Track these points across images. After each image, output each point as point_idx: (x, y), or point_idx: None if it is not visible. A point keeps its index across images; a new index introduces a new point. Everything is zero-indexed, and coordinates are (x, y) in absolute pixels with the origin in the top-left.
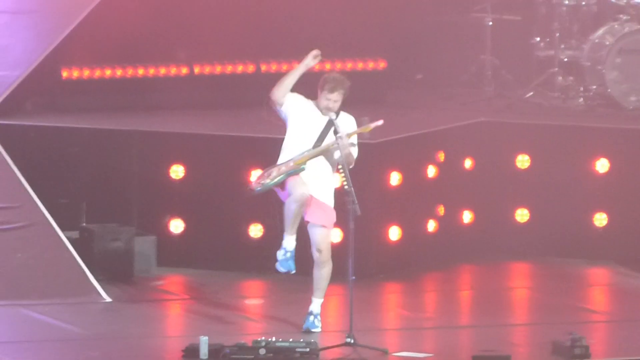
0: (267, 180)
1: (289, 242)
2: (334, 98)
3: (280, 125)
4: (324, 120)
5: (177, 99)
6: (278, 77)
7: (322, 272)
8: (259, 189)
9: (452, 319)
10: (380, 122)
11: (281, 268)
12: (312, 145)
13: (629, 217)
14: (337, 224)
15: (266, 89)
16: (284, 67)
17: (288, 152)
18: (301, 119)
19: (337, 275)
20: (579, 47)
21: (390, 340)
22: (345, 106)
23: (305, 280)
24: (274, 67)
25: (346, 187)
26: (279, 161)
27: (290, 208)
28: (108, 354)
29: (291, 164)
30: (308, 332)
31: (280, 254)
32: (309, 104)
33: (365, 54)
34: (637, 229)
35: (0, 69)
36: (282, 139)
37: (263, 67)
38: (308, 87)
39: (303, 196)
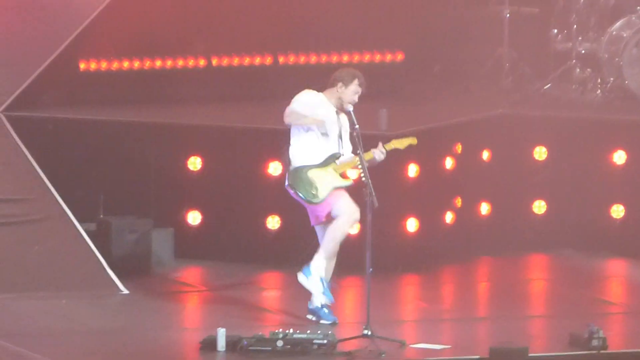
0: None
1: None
2: (360, 93)
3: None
4: (334, 113)
5: (195, 91)
6: (296, 69)
7: None
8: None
9: (469, 311)
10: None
11: (326, 300)
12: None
13: None
14: None
15: (284, 81)
16: (302, 58)
17: (320, 151)
18: (324, 117)
19: (355, 268)
20: (596, 39)
21: (408, 332)
22: (362, 98)
23: None
24: (291, 59)
25: (363, 179)
26: (306, 161)
27: (345, 231)
28: (125, 346)
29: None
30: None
31: (319, 288)
32: (321, 98)
33: (383, 46)
34: None
35: (18, 61)
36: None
37: (281, 59)
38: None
39: (356, 220)
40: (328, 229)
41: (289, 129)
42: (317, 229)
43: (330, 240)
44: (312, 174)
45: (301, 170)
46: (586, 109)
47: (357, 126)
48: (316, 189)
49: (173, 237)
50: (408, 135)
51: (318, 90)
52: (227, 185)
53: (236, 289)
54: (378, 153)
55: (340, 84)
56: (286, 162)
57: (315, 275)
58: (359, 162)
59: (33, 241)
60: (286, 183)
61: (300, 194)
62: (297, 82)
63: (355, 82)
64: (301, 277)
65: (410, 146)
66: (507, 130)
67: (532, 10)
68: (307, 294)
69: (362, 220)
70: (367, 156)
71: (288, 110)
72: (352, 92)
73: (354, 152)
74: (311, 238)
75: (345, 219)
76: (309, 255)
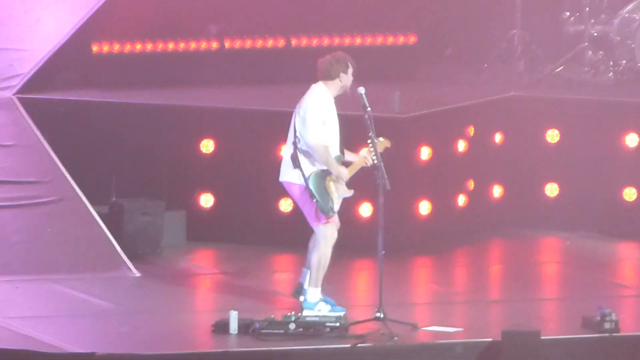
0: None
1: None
2: None
3: None
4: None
5: (208, 74)
6: (308, 51)
7: None
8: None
9: (482, 293)
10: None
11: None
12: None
13: None
14: (367, 198)
15: (297, 63)
16: (314, 41)
17: (334, 150)
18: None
19: (367, 250)
20: (608, 21)
21: (420, 314)
22: (374, 81)
23: (336, 254)
24: (304, 42)
25: (376, 162)
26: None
27: (329, 255)
28: (137, 328)
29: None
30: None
31: (327, 310)
32: (327, 100)
33: (395, 29)
34: None
35: (31, 43)
36: None
37: (293, 42)
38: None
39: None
40: (313, 257)
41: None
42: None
43: (318, 268)
44: (330, 184)
45: (322, 176)
46: (598, 92)
47: (369, 109)
48: (332, 201)
49: (185, 220)
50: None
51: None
52: (240, 168)
53: (248, 272)
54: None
55: (341, 74)
56: (294, 160)
57: (318, 305)
58: (365, 161)
59: (45, 224)
60: (305, 184)
61: (319, 203)
62: (309, 64)
63: (350, 65)
64: (307, 312)
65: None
66: (520, 112)
67: None
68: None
69: (374, 203)
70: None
71: (315, 146)
72: (350, 75)
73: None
74: None
75: (329, 243)
76: None
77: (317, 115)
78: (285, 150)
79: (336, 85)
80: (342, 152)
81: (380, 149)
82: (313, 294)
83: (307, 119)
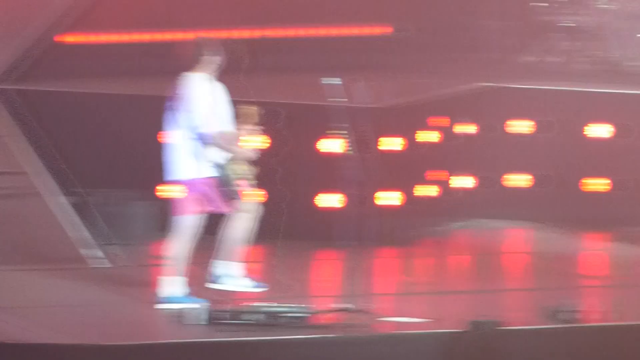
0: None
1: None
2: None
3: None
4: None
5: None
6: (283, 42)
7: None
8: None
9: (447, 284)
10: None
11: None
12: None
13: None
14: (339, 189)
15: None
16: (291, 32)
17: None
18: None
19: (335, 241)
20: (580, 11)
21: (387, 305)
22: (348, 71)
23: (302, 245)
24: (280, 33)
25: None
26: None
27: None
28: (106, 318)
29: None
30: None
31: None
32: (204, 83)
33: (370, 19)
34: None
35: (8, 34)
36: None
37: (267, 33)
38: None
39: None
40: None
41: None
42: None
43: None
44: (234, 167)
45: (226, 162)
46: (572, 81)
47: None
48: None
49: (157, 210)
50: None
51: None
52: None
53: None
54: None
55: (204, 56)
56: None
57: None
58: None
59: (16, 214)
60: (209, 174)
61: (227, 188)
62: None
63: (208, 42)
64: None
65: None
66: (492, 102)
67: None
68: (286, 267)
69: (348, 194)
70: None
71: (207, 133)
72: (215, 52)
73: None
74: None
75: (248, 220)
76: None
77: (200, 103)
78: (176, 147)
79: (205, 68)
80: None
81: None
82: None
83: (193, 110)
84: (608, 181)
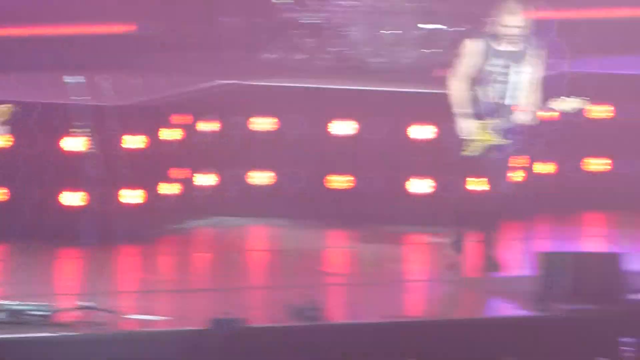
0: None
1: None
2: None
3: None
4: None
5: None
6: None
7: None
8: None
9: (189, 281)
10: None
11: None
12: None
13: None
14: (82, 187)
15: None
16: (34, 29)
17: None
18: None
19: (79, 239)
20: (324, 8)
21: (130, 303)
22: (91, 70)
23: (46, 243)
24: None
25: None
26: None
27: None
28: None
29: None
30: None
31: None
32: None
33: (113, 17)
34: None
35: None
36: None
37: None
38: None
39: None
40: None
41: None
42: None
43: None
44: None
45: None
46: (313, 78)
47: None
48: None
49: None
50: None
51: None
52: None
53: None
54: None
55: None
56: None
57: None
58: None
59: None
60: None
61: None
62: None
63: None
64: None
65: None
66: (233, 100)
67: None
68: (29, 265)
69: (91, 194)
70: None
71: None
72: None
73: None
74: None
75: None
76: None
77: None
78: None
79: None
80: None
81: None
82: None
83: None
84: (351, 178)
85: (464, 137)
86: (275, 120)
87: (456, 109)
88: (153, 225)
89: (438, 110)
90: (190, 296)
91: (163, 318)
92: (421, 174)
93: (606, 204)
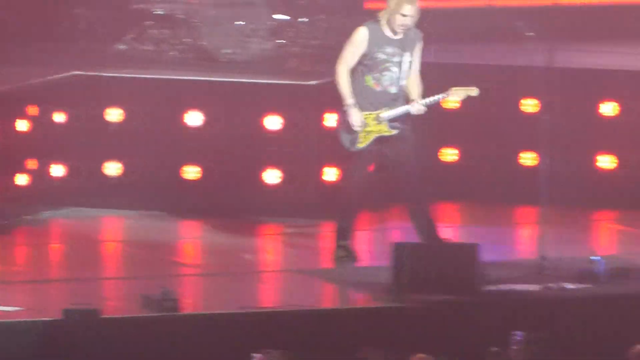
0: None
1: None
2: None
3: None
4: None
5: None
6: None
7: None
8: None
9: (42, 272)
10: None
11: None
12: None
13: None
14: None
15: None
16: None
17: None
18: None
19: None
20: (174, 0)
21: None
22: None
23: None
24: None
25: None
26: None
27: None
28: None
29: None
30: None
31: None
32: None
33: None
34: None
35: None
36: None
37: None
38: None
39: None
40: None
41: None
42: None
43: None
44: None
45: None
46: (163, 70)
47: None
48: None
49: None
50: None
51: None
52: None
53: None
54: None
55: None
56: None
57: None
58: None
59: None
60: None
61: None
62: None
63: None
64: None
65: None
66: (83, 91)
67: None
68: None
69: None
70: None
71: None
72: None
73: None
74: None
75: None
76: None
77: None
78: None
79: None
80: None
81: None
82: None
83: None
84: (201, 169)
85: (355, 129)
86: (125, 111)
87: (344, 99)
88: (7, 216)
89: (291, 101)
90: (44, 287)
91: (16, 309)
92: (273, 164)
93: (459, 194)
